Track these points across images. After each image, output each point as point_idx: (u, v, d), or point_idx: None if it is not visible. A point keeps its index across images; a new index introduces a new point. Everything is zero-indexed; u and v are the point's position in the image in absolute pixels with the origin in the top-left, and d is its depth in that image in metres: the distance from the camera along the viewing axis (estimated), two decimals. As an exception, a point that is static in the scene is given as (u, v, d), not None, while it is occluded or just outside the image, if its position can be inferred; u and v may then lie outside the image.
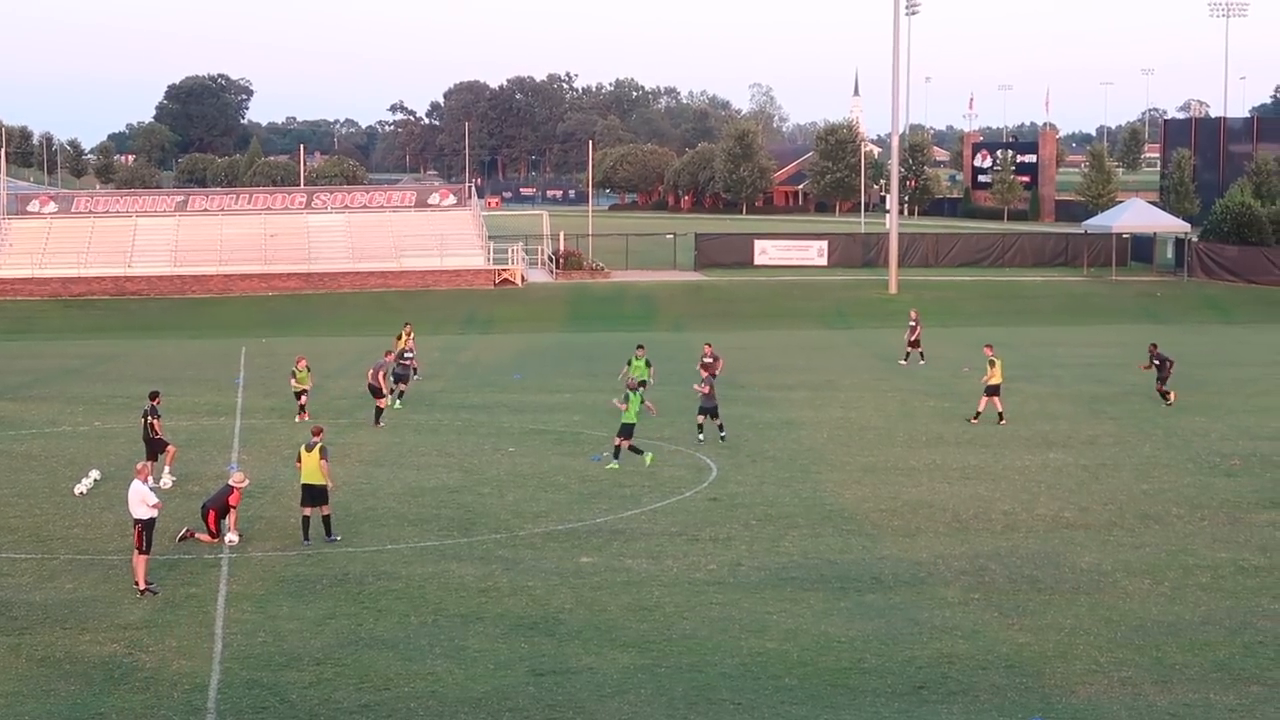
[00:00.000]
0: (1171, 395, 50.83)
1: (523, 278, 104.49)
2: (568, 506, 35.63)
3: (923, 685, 23.13)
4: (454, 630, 25.84)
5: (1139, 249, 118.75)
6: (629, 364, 49.26)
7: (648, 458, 39.96)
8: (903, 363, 62.88)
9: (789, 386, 56.40)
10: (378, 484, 38.10)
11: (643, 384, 46.89)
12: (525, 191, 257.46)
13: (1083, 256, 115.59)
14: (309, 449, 32.00)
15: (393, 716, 21.76)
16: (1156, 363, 50.87)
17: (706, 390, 44.70)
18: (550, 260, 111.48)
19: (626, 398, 40.37)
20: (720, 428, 44.31)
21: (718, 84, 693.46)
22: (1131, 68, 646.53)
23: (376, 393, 47.16)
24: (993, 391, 47.35)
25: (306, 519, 31.91)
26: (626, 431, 40.05)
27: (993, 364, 47.41)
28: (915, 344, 63.28)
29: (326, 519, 31.99)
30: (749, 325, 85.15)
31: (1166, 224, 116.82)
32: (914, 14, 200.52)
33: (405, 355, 52.71)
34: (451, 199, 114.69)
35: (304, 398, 48.34)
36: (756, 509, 35.23)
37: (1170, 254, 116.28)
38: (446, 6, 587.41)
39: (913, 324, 63.58)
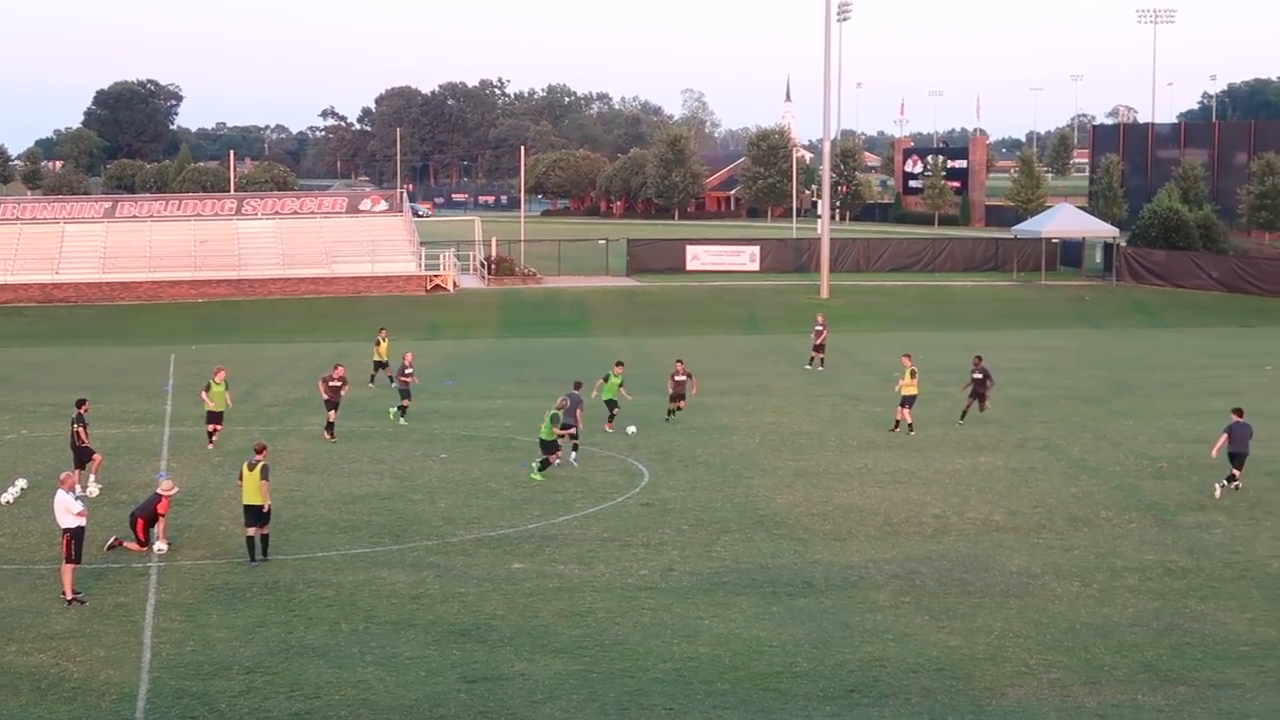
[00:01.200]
0: (986, 404, 48.82)
1: (455, 284, 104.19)
2: (500, 512, 35.56)
3: (854, 689, 23.21)
4: (385, 637, 25.74)
5: (1068, 254, 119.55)
6: (605, 379, 47.73)
7: (536, 473, 39.59)
8: (808, 367, 63.11)
9: (721, 392, 56.45)
10: (308, 491, 37.91)
11: (614, 405, 46.65)
12: (458, 197, 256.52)
13: (1012, 261, 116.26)
14: (250, 467, 30.95)
15: (323, 725, 21.65)
16: (978, 376, 48.51)
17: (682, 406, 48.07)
18: (482, 266, 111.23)
19: (555, 419, 40.04)
20: (677, 410, 47.98)
21: (650, 90, 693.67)
22: (1061, 74, 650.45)
23: (331, 405, 45.67)
24: (906, 403, 46.81)
25: (251, 539, 31.08)
26: (549, 448, 39.67)
27: (913, 374, 46.93)
28: (820, 349, 63.45)
29: (264, 539, 31.08)
30: (681, 330, 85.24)
31: (1095, 229, 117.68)
32: (845, 20, 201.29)
33: (405, 372, 49.63)
34: (383, 205, 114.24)
35: (217, 426, 44.40)
36: (689, 514, 35.26)
37: (1099, 259, 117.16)
38: (378, 12, 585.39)
39: (819, 328, 63.78)
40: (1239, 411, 38.18)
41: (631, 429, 45.79)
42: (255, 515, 30.88)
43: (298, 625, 26.49)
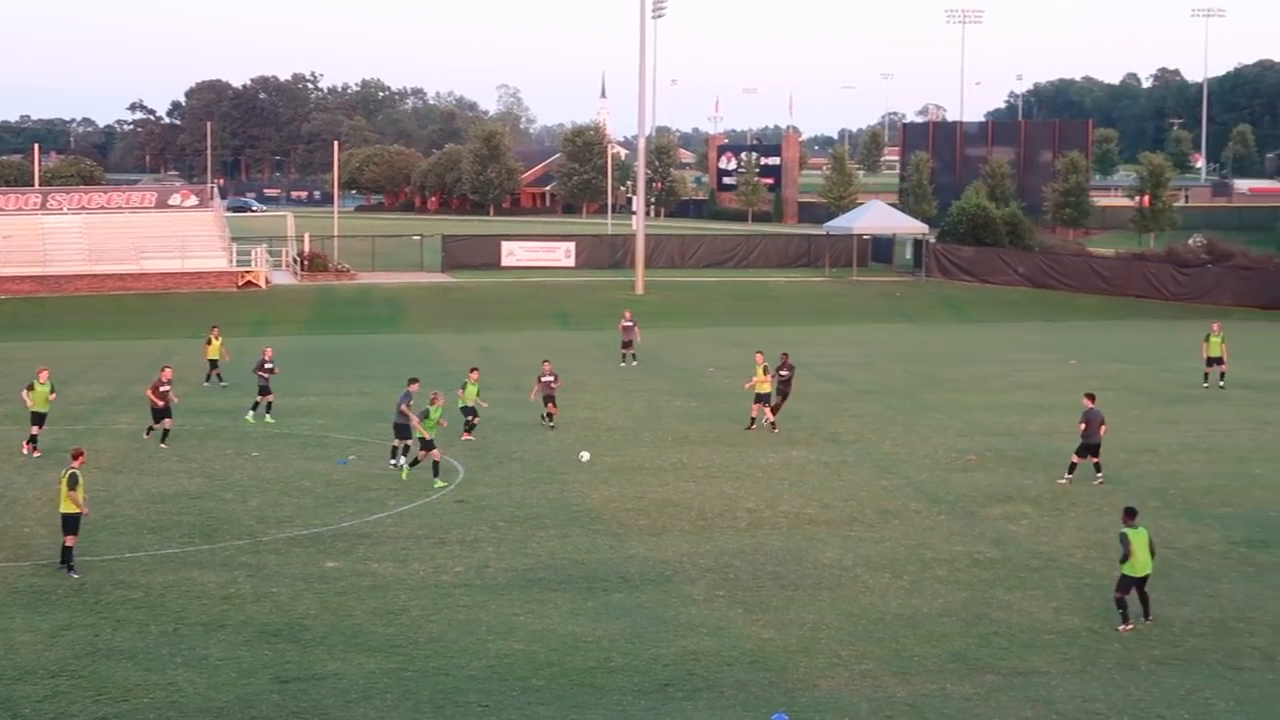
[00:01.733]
0: (773, 416, 46.79)
1: (267, 280, 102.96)
2: (313, 511, 35.18)
3: (669, 683, 23.30)
4: (195, 639, 25.34)
5: (879, 250, 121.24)
6: (463, 387, 46.86)
7: (404, 473, 39.14)
8: (622, 365, 63.27)
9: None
10: (116, 491, 37.19)
11: (471, 412, 45.27)
12: (270, 192, 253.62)
13: (825, 257, 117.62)
14: (63, 475, 29.71)
15: (131, 728, 21.26)
16: (785, 374, 47.52)
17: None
18: (295, 262, 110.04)
19: (426, 413, 39.29)
20: (550, 415, 47.36)
21: (465, 85, 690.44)
22: (872, 73, 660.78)
23: (159, 414, 43.33)
24: (762, 399, 46.42)
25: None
26: (428, 444, 38.73)
27: (765, 370, 46.47)
28: (628, 345, 63.60)
29: (64, 550, 29.52)
30: (497, 327, 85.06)
31: (905, 225, 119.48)
32: (660, 17, 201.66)
33: (266, 366, 48.50)
34: (193, 200, 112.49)
35: (39, 427, 42.57)
36: (504, 510, 35.18)
37: (909, 254, 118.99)
38: (187, 3, 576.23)
39: (628, 324, 63.95)
40: (1091, 396, 38.90)
41: (584, 455, 41.60)
42: (62, 522, 29.62)
43: (105, 628, 25.98)
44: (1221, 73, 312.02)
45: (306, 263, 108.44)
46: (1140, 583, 26.05)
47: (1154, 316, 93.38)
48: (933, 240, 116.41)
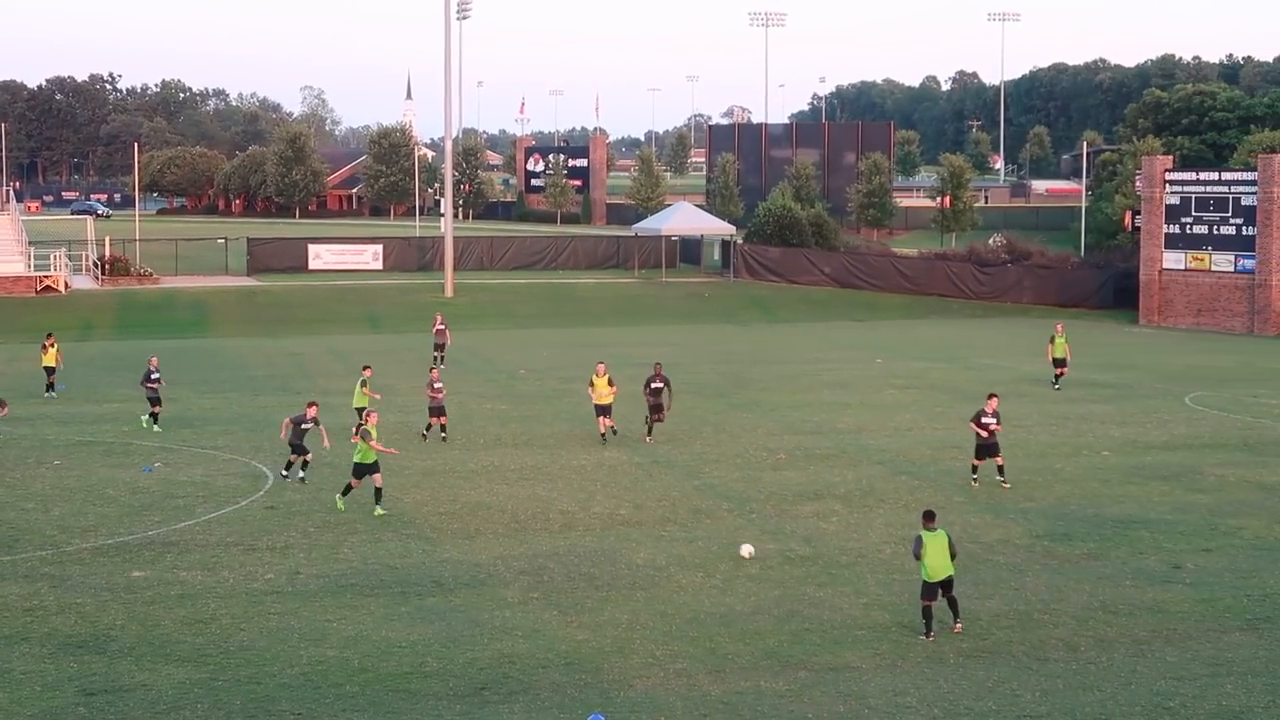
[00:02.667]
0: (663, 415, 45.46)
1: (66, 284, 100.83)
2: (118, 520, 34.52)
3: (484, 686, 23.22)
4: (-3, 653, 24.74)
5: (687, 251, 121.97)
6: (361, 384, 46.55)
7: (340, 503, 36.19)
8: (433, 369, 62.85)
9: (344, 391, 55.79)
10: (-88, 502, 36.20)
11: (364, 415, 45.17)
12: (68, 195, 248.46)
13: (634, 259, 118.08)
14: None
15: (-69, 746, 20.70)
16: (658, 385, 45.12)
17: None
18: (96, 266, 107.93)
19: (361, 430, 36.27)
20: (443, 427, 45.67)
21: (268, 86, 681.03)
22: (677, 75, 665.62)
23: None
24: (603, 411, 44.59)
25: None
26: (359, 471, 35.59)
27: (610, 383, 44.70)
28: (440, 348, 63.36)
29: None
30: (303, 330, 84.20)
31: (713, 226, 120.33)
32: (465, 18, 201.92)
33: (153, 377, 47.22)
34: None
35: None
36: (315, 516, 34.82)
37: (717, 255, 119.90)
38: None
39: (440, 327, 63.72)
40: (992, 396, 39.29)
41: (746, 550, 31.48)
42: None
43: (-99, 643, 25.27)
44: (1018, 75, 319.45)
45: (108, 267, 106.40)
46: (943, 586, 25.88)
47: (956, 315, 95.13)
48: (740, 241, 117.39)
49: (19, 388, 57.38)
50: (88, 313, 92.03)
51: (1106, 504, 36.38)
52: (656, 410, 45.02)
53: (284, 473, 39.05)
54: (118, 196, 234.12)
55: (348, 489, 35.68)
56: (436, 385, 45.68)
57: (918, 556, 25.89)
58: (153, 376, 47.45)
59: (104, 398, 53.76)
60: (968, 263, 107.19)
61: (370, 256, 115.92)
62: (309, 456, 39.05)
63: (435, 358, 63.38)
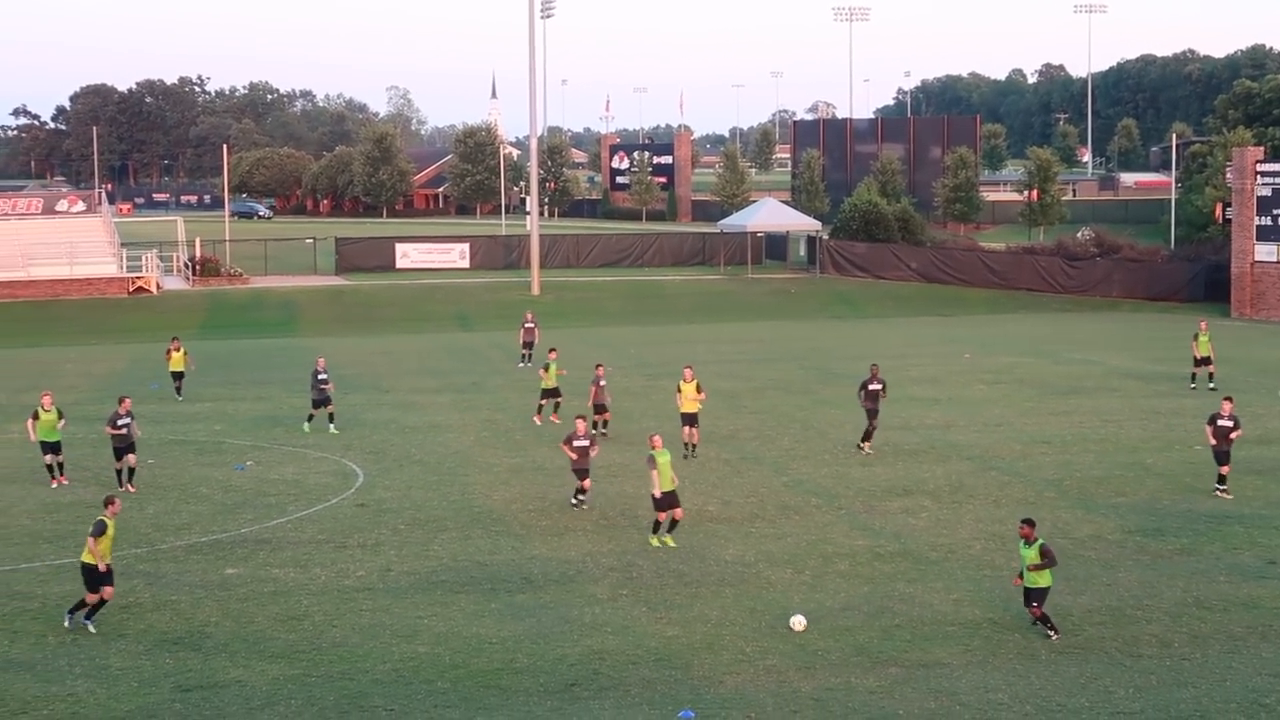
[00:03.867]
0: (866, 445, 42.51)
1: (158, 285, 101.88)
2: (211, 518, 34.88)
3: (574, 682, 23.30)
4: (95, 649, 25.05)
5: (773, 247, 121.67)
6: (545, 369, 48.15)
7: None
8: (520, 365, 63.16)
9: (434, 390, 56.24)
10: (10, 501, 36.71)
11: (556, 393, 47.38)
12: (159, 197, 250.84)
13: (719, 255, 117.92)
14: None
15: (32, 741, 21.00)
16: (875, 388, 42.59)
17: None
18: (186, 267, 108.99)
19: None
20: (605, 423, 44.95)
21: (354, 87, 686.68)
22: (762, 71, 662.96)
23: (120, 450, 38.29)
24: (689, 420, 42.21)
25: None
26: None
27: (699, 389, 42.43)
28: (528, 346, 63.52)
29: (80, 604, 26.40)
30: (392, 329, 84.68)
31: (798, 222, 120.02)
32: (549, 17, 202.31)
33: (320, 378, 46.66)
34: (81, 205, 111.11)
35: (57, 456, 38.99)
36: (405, 513, 35.03)
37: (803, 251, 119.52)
38: (69, 6, 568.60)
39: (529, 325, 63.86)
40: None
41: (798, 621, 26.29)
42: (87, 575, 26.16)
43: (2, 640, 25.63)
44: (1105, 68, 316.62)
45: (198, 267, 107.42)
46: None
47: (1045, 309, 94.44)
48: (825, 237, 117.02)
49: (111, 387, 58.05)
50: (179, 313, 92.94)
51: (1199, 499, 36.04)
52: (873, 415, 42.46)
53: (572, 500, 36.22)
54: (207, 198, 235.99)
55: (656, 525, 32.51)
56: (601, 383, 45.23)
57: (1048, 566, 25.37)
58: (320, 377, 46.76)
59: (196, 397, 54.24)
60: (1056, 257, 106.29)
61: (457, 255, 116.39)
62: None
63: (523, 355, 63.59)
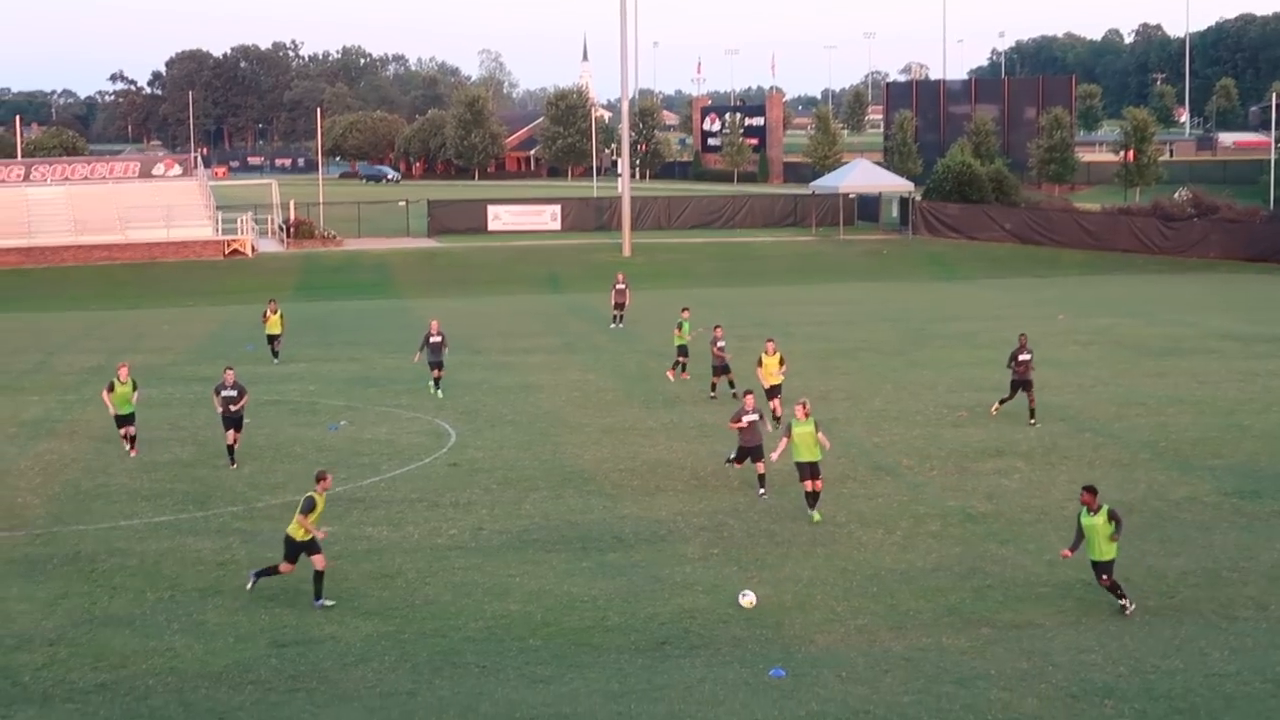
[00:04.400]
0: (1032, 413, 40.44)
1: (253, 248, 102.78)
2: (305, 477, 35.06)
3: (665, 641, 23.37)
4: (192, 605, 25.38)
5: (865, 208, 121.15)
6: (679, 326, 48.63)
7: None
8: (612, 326, 63.26)
9: (526, 351, 56.43)
10: (109, 460, 37.20)
11: (684, 352, 47.81)
12: (253, 160, 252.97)
13: (811, 217, 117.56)
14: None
15: (130, 694, 21.30)
16: (1025, 357, 40.54)
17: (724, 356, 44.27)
18: (281, 229, 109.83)
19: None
20: (731, 384, 44.02)
21: (446, 50, 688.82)
22: (854, 32, 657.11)
23: (227, 422, 36.69)
24: (774, 393, 41.02)
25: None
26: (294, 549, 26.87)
27: (782, 362, 41.16)
28: (620, 307, 63.53)
29: (317, 577, 25.73)
30: (484, 291, 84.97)
31: (891, 184, 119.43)
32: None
33: (432, 340, 45.90)
34: (177, 169, 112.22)
35: (130, 428, 38.11)
36: (497, 473, 35.21)
37: (895, 213, 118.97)
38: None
39: (620, 287, 63.86)
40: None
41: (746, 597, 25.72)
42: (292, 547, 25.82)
43: (102, 596, 26.01)
44: (1203, 27, 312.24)
45: (293, 230, 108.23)
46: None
47: (1140, 271, 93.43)
48: (918, 198, 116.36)
49: (207, 349, 58.76)
50: (273, 275, 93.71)
51: (1297, 461, 35.62)
52: (1027, 387, 40.40)
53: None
54: (301, 161, 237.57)
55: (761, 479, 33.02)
56: (719, 344, 44.50)
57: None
58: (434, 340, 45.89)
59: (290, 358, 54.67)
60: (1152, 217, 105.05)
61: (549, 217, 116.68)
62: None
63: (615, 316, 63.68)
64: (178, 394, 47.29)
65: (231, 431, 36.56)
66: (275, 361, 53.64)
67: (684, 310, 49.73)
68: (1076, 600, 25.07)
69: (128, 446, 38.06)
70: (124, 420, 38.13)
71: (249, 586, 25.98)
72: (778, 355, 41.20)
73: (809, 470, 30.81)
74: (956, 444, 37.89)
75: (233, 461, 36.33)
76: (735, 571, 26.97)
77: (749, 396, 33.20)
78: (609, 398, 45.67)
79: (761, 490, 32.64)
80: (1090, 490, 24.57)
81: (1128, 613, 24.18)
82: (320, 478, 26.48)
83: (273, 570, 25.96)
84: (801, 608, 24.89)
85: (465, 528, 30.34)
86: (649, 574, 26.88)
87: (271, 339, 54.09)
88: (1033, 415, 40.27)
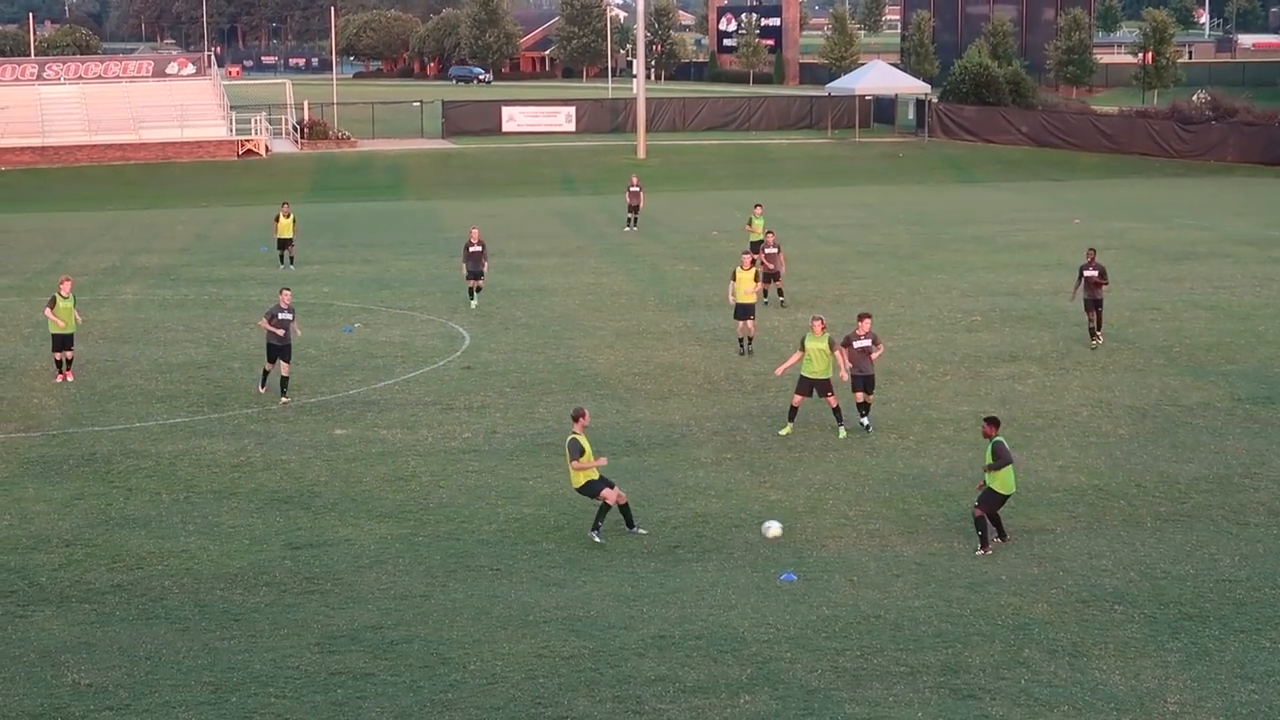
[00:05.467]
0: (1099, 336, 38.21)
1: (267, 148, 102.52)
2: (320, 379, 35.28)
3: (678, 545, 23.46)
4: (207, 507, 25.51)
5: (881, 110, 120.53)
6: (749, 223, 49.44)
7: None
8: (626, 229, 63.14)
9: (539, 254, 56.38)
10: (123, 361, 37.29)
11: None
12: (267, 60, 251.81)
13: (826, 119, 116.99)
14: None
15: (147, 595, 21.45)
16: (1094, 273, 37.81)
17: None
18: (295, 130, 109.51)
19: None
20: (780, 291, 43.94)
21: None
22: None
23: (275, 352, 33.12)
24: (742, 314, 37.77)
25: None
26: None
27: (739, 275, 37.48)
28: (634, 209, 63.34)
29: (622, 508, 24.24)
30: (499, 193, 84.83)
31: (907, 85, 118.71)
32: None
33: (472, 249, 44.19)
34: (191, 68, 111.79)
35: (68, 352, 35.08)
36: (510, 376, 35.26)
37: (911, 115, 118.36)
38: None
39: (634, 189, 63.64)
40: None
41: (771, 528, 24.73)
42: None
43: (117, 497, 26.16)
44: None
45: (307, 131, 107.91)
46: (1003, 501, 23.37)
47: (1157, 174, 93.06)
48: (935, 100, 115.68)
49: (221, 250, 58.80)
50: (287, 175, 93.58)
51: (1311, 367, 35.57)
52: (1094, 306, 38.03)
53: None
54: (315, 61, 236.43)
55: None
56: (770, 249, 43.45)
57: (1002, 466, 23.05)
58: (474, 249, 44.14)
59: (305, 259, 54.68)
60: (1170, 120, 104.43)
61: (563, 119, 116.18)
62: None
63: (629, 219, 63.56)
64: (192, 295, 47.34)
65: (281, 362, 32.95)
66: (285, 267, 52.15)
67: (756, 206, 50.56)
68: (1088, 506, 25.13)
69: (62, 373, 34.94)
70: (64, 342, 34.82)
71: (597, 540, 23.70)
72: (753, 270, 38.08)
73: (819, 387, 29.85)
74: (970, 349, 37.87)
75: (285, 394, 32.96)
76: (748, 476, 27.05)
77: (866, 320, 30.69)
78: (623, 301, 45.65)
79: (864, 421, 30.35)
80: (991, 422, 23.42)
81: (977, 554, 22.78)
82: (578, 416, 24.36)
83: (603, 512, 23.88)
84: (813, 512, 24.98)
85: (479, 431, 30.42)
86: (662, 478, 26.96)
87: (284, 243, 52.86)
88: (1094, 335, 38.00)
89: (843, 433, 29.92)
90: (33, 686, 18.19)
